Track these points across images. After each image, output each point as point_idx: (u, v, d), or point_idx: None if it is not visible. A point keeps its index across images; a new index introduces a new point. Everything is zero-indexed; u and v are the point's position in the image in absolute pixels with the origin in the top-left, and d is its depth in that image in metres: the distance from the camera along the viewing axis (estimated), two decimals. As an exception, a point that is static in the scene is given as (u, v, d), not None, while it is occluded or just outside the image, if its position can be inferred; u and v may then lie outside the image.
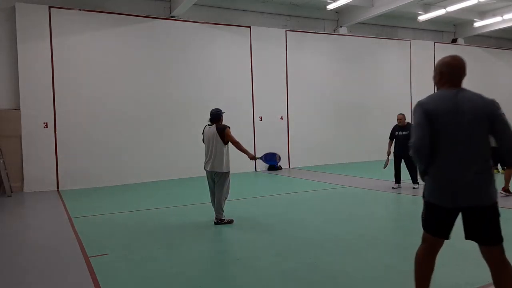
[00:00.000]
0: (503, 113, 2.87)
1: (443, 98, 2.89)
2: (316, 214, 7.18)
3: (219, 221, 6.49)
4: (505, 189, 7.97)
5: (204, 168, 6.60)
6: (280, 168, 13.74)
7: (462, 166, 2.79)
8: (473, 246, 2.98)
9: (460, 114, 2.78)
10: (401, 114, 9.47)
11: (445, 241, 3.04)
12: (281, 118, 14.17)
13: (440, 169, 2.86)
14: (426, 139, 2.83)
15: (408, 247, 5.18)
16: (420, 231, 3.10)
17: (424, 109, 2.87)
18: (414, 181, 9.14)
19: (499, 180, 8.97)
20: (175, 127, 12.29)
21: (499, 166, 9.56)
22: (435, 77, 3.05)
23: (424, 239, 3.09)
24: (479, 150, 2.81)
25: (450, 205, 2.86)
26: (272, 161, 7.46)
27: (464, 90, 2.91)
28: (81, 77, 11.06)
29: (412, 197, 8.44)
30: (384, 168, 9.59)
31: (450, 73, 2.94)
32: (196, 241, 5.76)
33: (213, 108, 6.64)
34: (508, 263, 2.85)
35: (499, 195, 7.83)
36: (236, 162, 12.89)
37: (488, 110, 2.79)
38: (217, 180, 6.47)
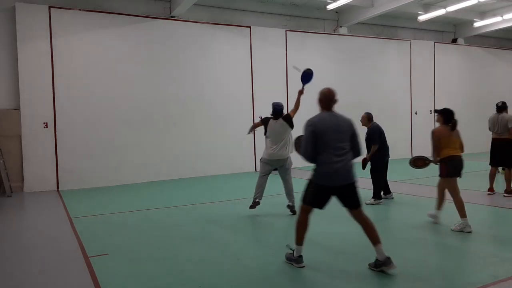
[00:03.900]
0: None
1: None
2: (316, 214, 7.13)
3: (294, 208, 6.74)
4: (509, 191, 7.92)
5: (268, 158, 6.90)
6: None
7: None
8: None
9: None
10: (365, 113, 7.89)
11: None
12: (281, 118, 14.14)
13: None
14: None
15: (409, 248, 5.20)
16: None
17: None
18: (375, 195, 7.70)
19: (501, 180, 8.99)
20: (175, 127, 12.29)
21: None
22: None
23: None
24: None
25: None
26: (306, 79, 7.27)
27: None
28: (81, 77, 11.06)
29: (412, 197, 8.43)
30: (363, 169, 7.61)
31: None
32: (196, 241, 5.76)
33: (275, 102, 7.21)
34: None
35: (503, 197, 7.81)
36: (237, 162, 13.07)
37: None
38: (285, 166, 6.96)
